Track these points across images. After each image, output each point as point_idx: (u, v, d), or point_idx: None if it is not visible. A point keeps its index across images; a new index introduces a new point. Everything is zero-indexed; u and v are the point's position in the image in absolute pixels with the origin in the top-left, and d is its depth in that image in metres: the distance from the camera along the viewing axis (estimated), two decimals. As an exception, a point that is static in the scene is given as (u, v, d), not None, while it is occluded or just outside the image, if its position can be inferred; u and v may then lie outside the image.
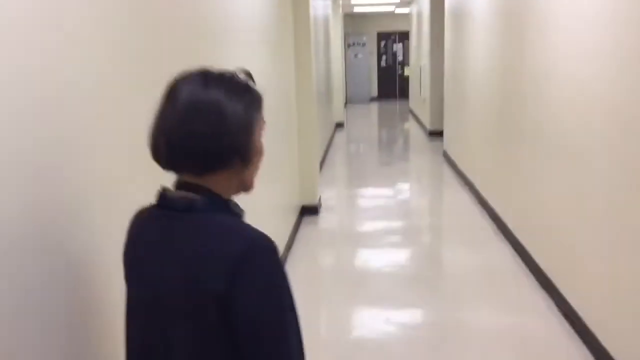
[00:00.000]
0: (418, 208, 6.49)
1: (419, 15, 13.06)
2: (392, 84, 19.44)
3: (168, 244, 1.07)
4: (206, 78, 1.07)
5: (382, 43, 19.26)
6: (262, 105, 1.13)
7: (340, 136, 11.72)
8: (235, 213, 1.13)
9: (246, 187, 1.16)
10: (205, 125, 1.04)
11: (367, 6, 15.73)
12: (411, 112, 15.15)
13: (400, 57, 19.20)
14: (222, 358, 1.03)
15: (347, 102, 18.54)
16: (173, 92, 1.07)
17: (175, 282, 1.04)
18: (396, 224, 5.80)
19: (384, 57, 19.34)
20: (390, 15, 18.45)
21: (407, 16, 16.37)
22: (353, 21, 18.90)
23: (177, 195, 1.09)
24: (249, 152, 1.10)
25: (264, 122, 1.14)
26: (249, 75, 1.15)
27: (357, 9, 16.43)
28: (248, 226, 1.06)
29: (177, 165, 1.08)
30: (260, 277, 1.00)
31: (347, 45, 18.48)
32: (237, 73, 1.13)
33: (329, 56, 10.82)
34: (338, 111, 12.59)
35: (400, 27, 18.50)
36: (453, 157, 8.12)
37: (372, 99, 19.24)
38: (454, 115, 8.16)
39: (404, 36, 18.48)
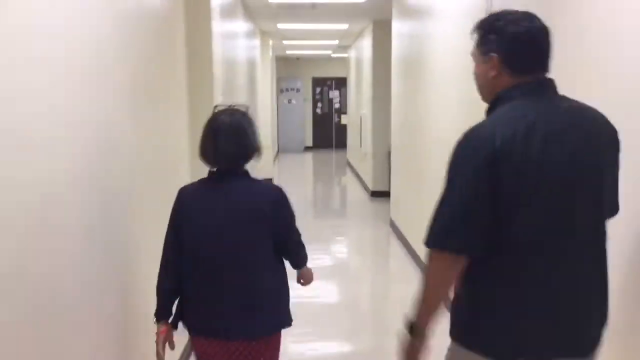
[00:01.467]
0: (365, 310, 4.86)
1: (359, 60, 11.77)
2: (329, 133, 18.08)
3: (235, 193, 2.13)
4: (234, 115, 2.17)
5: (318, 89, 17.96)
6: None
7: (269, 195, 10.05)
8: (252, 177, 2.22)
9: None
10: (246, 145, 2.14)
11: (301, 49, 14.41)
12: (349, 164, 13.73)
13: (337, 105, 17.93)
14: (269, 248, 2.17)
15: (279, 151, 17.00)
16: (215, 125, 2.14)
17: (246, 209, 2.11)
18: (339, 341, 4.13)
19: (319, 104, 18.03)
20: (327, 59, 17.23)
21: (345, 61, 15.16)
22: (286, 65, 17.54)
23: (228, 173, 2.14)
24: (261, 147, 2.21)
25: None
26: (247, 107, 2.27)
27: (290, 52, 15.08)
28: (266, 182, 2.38)
29: (231, 161, 2.13)
30: (287, 205, 2.23)
31: (280, 91, 17.05)
32: (241, 107, 2.25)
33: (255, 103, 9.24)
34: (265, 165, 10.95)
35: (337, 72, 17.29)
36: (403, 229, 6.59)
37: (307, 149, 17.79)
38: (404, 176, 6.68)
39: (341, 82, 17.26)
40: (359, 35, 11.23)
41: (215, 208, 2.09)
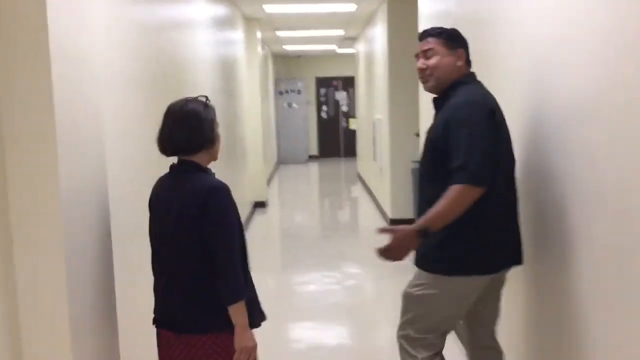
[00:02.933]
0: None
1: (369, 54, 9.63)
2: (335, 140, 15.93)
3: (175, 187, 2.05)
4: (186, 101, 2.09)
5: (323, 91, 15.81)
6: (215, 113, 2.12)
7: (258, 226, 7.92)
8: (210, 173, 2.10)
9: (214, 159, 2.14)
10: (191, 128, 2.03)
11: (300, 44, 12.29)
12: (360, 178, 11.59)
13: (344, 107, 15.78)
14: (198, 245, 1.99)
15: (280, 162, 14.88)
16: (168, 113, 2.08)
17: (179, 205, 2.01)
18: None
19: (324, 107, 15.88)
20: (332, 56, 15.07)
21: (352, 57, 13.02)
22: (285, 64, 15.41)
23: (180, 165, 2.08)
24: (214, 139, 2.08)
25: (217, 123, 2.13)
26: (206, 97, 2.14)
27: (288, 47, 12.95)
28: (214, 178, 2.08)
29: (176, 152, 2.06)
30: (216, 205, 1.99)
31: (279, 93, 14.93)
32: (201, 97, 2.13)
33: (236, 107, 7.13)
34: (257, 185, 8.82)
35: (344, 71, 15.12)
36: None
37: (311, 158, 15.65)
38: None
39: (349, 82, 15.09)
40: (369, 21, 9.08)
41: (162, 202, 2.10)
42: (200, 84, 4.73)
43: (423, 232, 2.15)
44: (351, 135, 14.92)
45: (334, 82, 15.71)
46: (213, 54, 5.51)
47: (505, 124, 2.31)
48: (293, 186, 12.16)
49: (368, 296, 5.22)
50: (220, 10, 6.19)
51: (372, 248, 2.25)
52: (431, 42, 2.39)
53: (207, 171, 2.08)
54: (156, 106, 3.08)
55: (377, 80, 8.56)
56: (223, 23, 6.29)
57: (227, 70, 6.40)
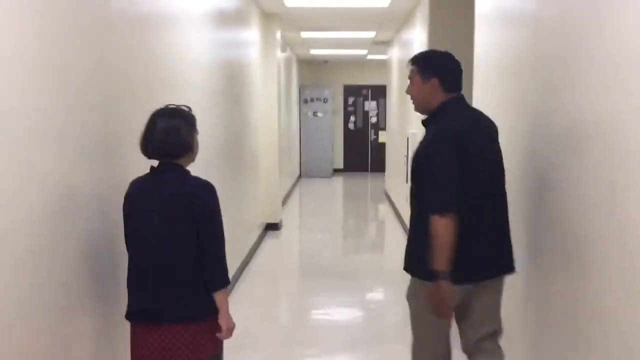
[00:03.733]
0: None
1: (405, 61, 8.52)
2: (363, 153, 14.82)
3: (161, 187, 2.19)
4: (172, 110, 2.26)
5: (351, 100, 14.72)
6: (195, 121, 2.30)
7: (267, 254, 6.82)
8: (188, 173, 2.27)
9: (192, 161, 2.32)
10: (175, 139, 2.19)
11: (328, 48, 11.24)
12: (387, 196, 10.46)
13: (374, 119, 14.67)
14: (190, 238, 2.16)
15: (302, 175, 13.84)
16: (153, 121, 2.21)
17: (169, 202, 2.15)
18: None
19: (352, 118, 14.78)
20: (362, 62, 13.99)
21: (384, 64, 11.92)
22: (311, 69, 14.36)
23: (163, 167, 2.21)
24: (193, 147, 2.27)
25: (197, 131, 2.32)
26: (189, 107, 2.31)
27: (315, 52, 11.91)
28: (200, 177, 2.26)
29: (162, 156, 2.20)
30: (208, 201, 2.19)
31: (304, 101, 13.89)
32: (183, 107, 2.30)
33: (246, 115, 6.09)
34: (270, 204, 7.75)
35: (374, 79, 14.03)
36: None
37: (336, 171, 14.55)
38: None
39: (379, 91, 13.98)
40: (405, 22, 7.98)
41: (147, 200, 2.21)
42: (190, 86, 3.69)
43: (435, 275, 2.34)
44: (380, 149, 13.80)
45: (364, 91, 14.62)
46: (213, 54, 4.48)
47: (479, 145, 2.43)
48: (313, 204, 11.07)
49: (391, 345, 4.10)
50: (229, 3, 5.17)
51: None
52: (410, 70, 2.51)
53: (188, 172, 2.27)
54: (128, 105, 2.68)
55: (412, 90, 7.44)
56: (231, 18, 5.27)
57: (233, 73, 5.36)
